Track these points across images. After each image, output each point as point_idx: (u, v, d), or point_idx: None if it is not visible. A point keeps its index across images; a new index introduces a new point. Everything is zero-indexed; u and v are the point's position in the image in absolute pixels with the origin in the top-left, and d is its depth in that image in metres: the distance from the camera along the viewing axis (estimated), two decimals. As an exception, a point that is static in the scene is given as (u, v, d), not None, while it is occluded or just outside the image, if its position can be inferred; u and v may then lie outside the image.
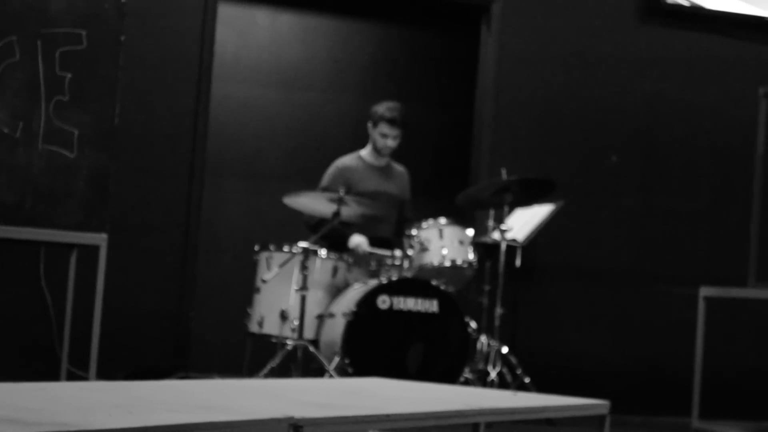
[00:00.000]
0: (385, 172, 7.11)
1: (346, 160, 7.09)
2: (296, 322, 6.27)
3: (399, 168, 7.21)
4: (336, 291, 6.52)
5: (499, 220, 6.92)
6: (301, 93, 8.84)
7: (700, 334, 7.13)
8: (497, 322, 6.81)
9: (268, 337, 6.48)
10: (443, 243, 6.58)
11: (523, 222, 7.23)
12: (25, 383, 3.13)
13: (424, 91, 9.06)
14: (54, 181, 5.74)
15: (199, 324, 7.58)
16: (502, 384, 6.65)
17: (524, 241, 7.15)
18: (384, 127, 6.96)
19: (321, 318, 6.41)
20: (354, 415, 3.00)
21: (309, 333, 6.35)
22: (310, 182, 7.19)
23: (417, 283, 6.38)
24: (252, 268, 6.65)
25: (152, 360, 7.15)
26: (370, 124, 7.04)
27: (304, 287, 6.24)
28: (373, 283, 6.35)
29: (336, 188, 6.65)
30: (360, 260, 6.74)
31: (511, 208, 7.04)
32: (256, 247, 6.64)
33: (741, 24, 8.30)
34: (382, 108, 6.99)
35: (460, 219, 6.81)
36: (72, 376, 6.19)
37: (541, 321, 7.85)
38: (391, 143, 7.00)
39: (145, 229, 7.26)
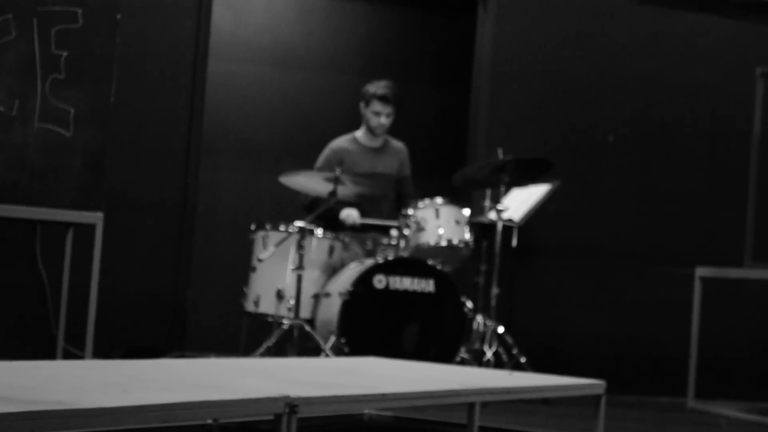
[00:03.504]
0: (380, 151, 7.10)
1: (341, 142, 7.09)
2: (292, 302, 6.28)
3: (397, 144, 7.20)
4: (332, 270, 6.52)
5: (496, 199, 6.92)
6: (297, 72, 8.83)
7: (696, 314, 7.14)
8: (493, 302, 6.81)
9: (264, 316, 6.48)
10: (439, 223, 6.57)
11: (519, 202, 7.23)
12: (21, 362, 3.13)
13: (421, 71, 9.05)
14: (50, 160, 5.74)
15: (195, 303, 7.58)
16: (497, 364, 6.66)
17: (521, 221, 7.15)
18: (376, 105, 6.96)
19: (317, 297, 6.42)
20: (350, 394, 3.01)
21: (305, 312, 6.35)
22: (306, 161, 7.18)
23: (413, 263, 6.38)
24: (248, 247, 6.64)
25: (148, 339, 7.15)
26: (362, 104, 7.04)
27: (300, 266, 6.25)
28: (369, 262, 6.35)
29: (330, 170, 6.65)
30: (353, 235, 6.74)
31: (508, 188, 7.03)
32: (253, 226, 6.64)
33: (738, 4, 8.29)
34: (374, 86, 6.98)
35: (457, 199, 6.80)
36: (68, 355, 6.20)
37: (537, 301, 7.86)
38: (385, 121, 6.99)
39: (142, 208, 7.25)
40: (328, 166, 6.82)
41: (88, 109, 5.84)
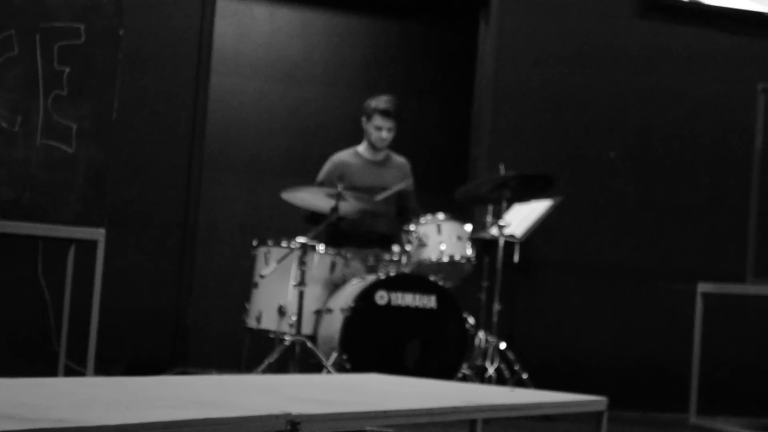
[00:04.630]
0: (382, 165, 7.11)
1: (343, 155, 7.10)
2: (294, 318, 6.27)
3: (399, 159, 7.21)
4: (334, 286, 6.52)
5: (498, 215, 6.92)
6: (299, 87, 8.84)
7: (698, 330, 7.13)
8: (495, 318, 6.80)
9: (265, 332, 6.47)
10: (441, 238, 6.57)
11: (521, 218, 7.23)
12: (23, 378, 3.13)
13: (423, 86, 9.06)
14: (52, 176, 5.74)
15: (197, 319, 7.58)
16: (499, 380, 6.65)
17: (522, 236, 7.15)
18: (378, 120, 6.97)
19: (319, 313, 6.41)
20: (352, 411, 3.01)
21: (307, 328, 6.34)
22: (308, 177, 7.19)
23: (415, 279, 6.38)
24: (250, 263, 6.64)
25: (150, 355, 7.15)
26: (364, 119, 7.06)
27: (302, 282, 6.25)
28: (371, 278, 6.35)
29: (331, 183, 6.66)
30: (354, 251, 6.74)
31: (510, 204, 7.03)
32: (255, 242, 6.64)
33: (739, 19, 8.30)
34: (375, 101, 7.01)
35: (459, 214, 6.80)
36: (70, 372, 6.19)
37: (539, 317, 7.85)
38: (386, 135, 7.01)
39: (144, 224, 7.25)
40: (329, 179, 6.84)
41: (91, 125, 5.84)
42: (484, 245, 7.11)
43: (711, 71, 8.26)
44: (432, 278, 6.38)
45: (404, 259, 6.57)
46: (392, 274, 6.37)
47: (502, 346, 6.82)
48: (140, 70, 7.17)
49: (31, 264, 6.42)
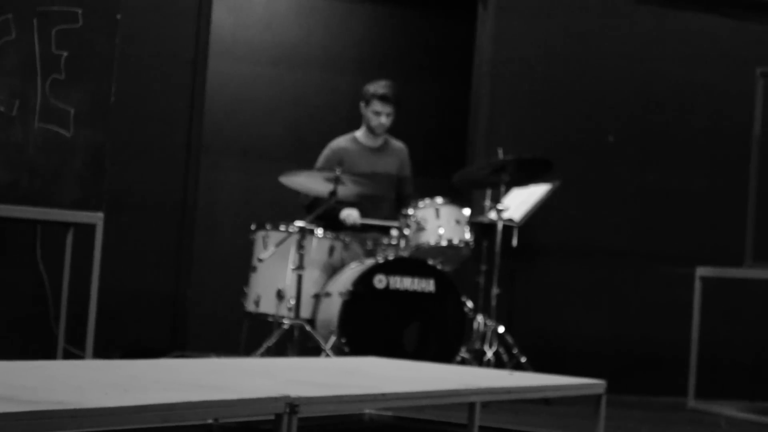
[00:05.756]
0: (380, 151, 7.11)
1: (341, 142, 7.09)
2: (293, 302, 6.27)
3: (397, 144, 7.20)
4: (332, 270, 6.52)
5: (496, 199, 6.92)
6: (297, 72, 8.83)
7: (697, 314, 7.14)
8: (494, 302, 6.80)
9: (264, 316, 6.48)
10: (440, 222, 6.57)
11: (519, 202, 7.23)
12: (22, 361, 3.13)
13: (421, 71, 9.05)
14: (50, 160, 5.74)
15: (195, 303, 7.58)
16: (498, 363, 6.66)
17: (521, 220, 7.14)
18: (377, 105, 6.96)
19: (317, 297, 6.42)
20: (350, 394, 3.01)
21: (305, 312, 6.35)
22: (306, 161, 7.18)
23: (413, 263, 6.38)
24: (248, 247, 6.64)
25: (149, 339, 7.15)
26: (362, 104, 7.04)
27: (300, 266, 6.24)
28: (369, 262, 6.35)
29: (330, 170, 6.65)
30: (353, 235, 6.74)
31: (508, 188, 7.03)
32: (253, 226, 6.64)
33: (738, 4, 8.29)
34: (374, 86, 6.99)
35: (457, 198, 6.80)
36: (68, 355, 6.19)
37: (538, 300, 7.86)
38: (385, 120, 7.00)
39: (142, 208, 7.25)
40: (328, 166, 6.83)
41: (89, 109, 5.84)
42: (482, 229, 7.11)
43: (709, 55, 8.25)
44: (430, 262, 6.38)
45: (403, 243, 6.57)
46: (391, 257, 6.37)
47: (501, 329, 6.83)
48: (138, 54, 7.16)
49: (30, 248, 6.42)
